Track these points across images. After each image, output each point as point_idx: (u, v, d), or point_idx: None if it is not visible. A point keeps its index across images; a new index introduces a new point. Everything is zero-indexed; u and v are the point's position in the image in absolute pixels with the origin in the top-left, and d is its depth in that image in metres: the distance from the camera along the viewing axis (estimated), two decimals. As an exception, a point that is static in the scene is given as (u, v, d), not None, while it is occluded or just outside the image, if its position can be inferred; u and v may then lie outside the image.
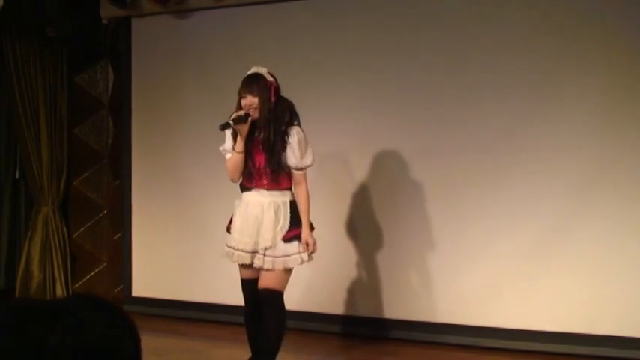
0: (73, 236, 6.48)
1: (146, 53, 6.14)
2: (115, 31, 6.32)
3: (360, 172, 5.30)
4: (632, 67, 4.59)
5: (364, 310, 5.27)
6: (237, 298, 5.64)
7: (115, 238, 6.40)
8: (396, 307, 5.17)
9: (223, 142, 3.94)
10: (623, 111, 4.61)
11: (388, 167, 5.22)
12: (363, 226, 5.30)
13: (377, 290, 5.20)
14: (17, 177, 6.40)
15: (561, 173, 4.72)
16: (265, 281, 3.81)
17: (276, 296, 3.82)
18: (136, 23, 6.16)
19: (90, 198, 6.50)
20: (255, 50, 5.61)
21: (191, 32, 5.93)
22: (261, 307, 3.86)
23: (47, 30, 6.02)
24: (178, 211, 5.96)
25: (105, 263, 6.49)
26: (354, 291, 5.27)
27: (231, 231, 3.91)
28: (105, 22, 6.22)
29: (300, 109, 3.88)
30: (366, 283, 5.24)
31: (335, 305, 5.31)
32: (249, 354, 4.13)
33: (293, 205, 3.85)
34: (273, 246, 3.77)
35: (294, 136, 3.77)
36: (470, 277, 4.94)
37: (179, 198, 5.96)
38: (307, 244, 3.80)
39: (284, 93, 3.87)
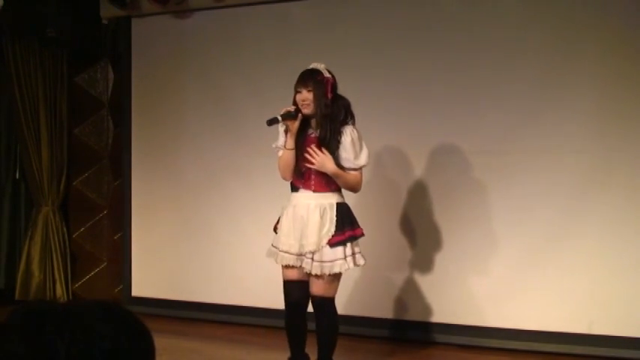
0: (73, 236, 6.48)
1: (146, 53, 6.13)
2: (115, 31, 6.32)
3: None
4: (631, 67, 4.58)
5: (367, 311, 5.26)
6: (237, 298, 5.67)
7: (115, 238, 6.40)
8: (397, 307, 5.17)
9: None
10: (622, 112, 4.61)
11: (388, 167, 5.21)
12: (365, 227, 5.29)
13: (379, 291, 5.20)
14: (17, 177, 6.40)
15: (561, 174, 4.72)
16: (316, 289, 3.74)
17: (327, 303, 3.77)
18: (136, 23, 6.16)
19: (90, 198, 6.50)
20: (255, 50, 5.61)
21: (191, 32, 5.92)
22: (314, 314, 3.80)
23: (47, 30, 6.02)
24: (179, 211, 5.96)
25: (105, 263, 6.49)
26: (358, 291, 5.26)
27: (278, 232, 3.84)
28: (105, 22, 6.22)
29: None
30: (368, 285, 5.23)
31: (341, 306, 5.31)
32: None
33: (340, 207, 3.74)
34: (318, 250, 3.67)
35: (348, 136, 3.69)
36: (470, 278, 4.94)
37: (179, 198, 5.96)
38: (320, 153, 3.61)
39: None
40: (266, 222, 5.49)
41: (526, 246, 4.79)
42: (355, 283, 5.20)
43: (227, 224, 5.73)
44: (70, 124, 6.45)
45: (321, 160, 3.62)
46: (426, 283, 5.09)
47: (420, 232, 5.10)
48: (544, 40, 4.79)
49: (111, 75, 6.47)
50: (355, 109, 4.92)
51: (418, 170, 5.13)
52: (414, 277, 5.12)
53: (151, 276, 6.10)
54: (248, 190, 5.60)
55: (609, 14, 4.63)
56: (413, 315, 5.12)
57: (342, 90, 3.83)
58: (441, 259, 5.04)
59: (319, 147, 3.65)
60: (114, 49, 6.39)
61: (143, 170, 6.15)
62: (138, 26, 6.15)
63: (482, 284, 4.90)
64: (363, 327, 5.17)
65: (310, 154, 3.64)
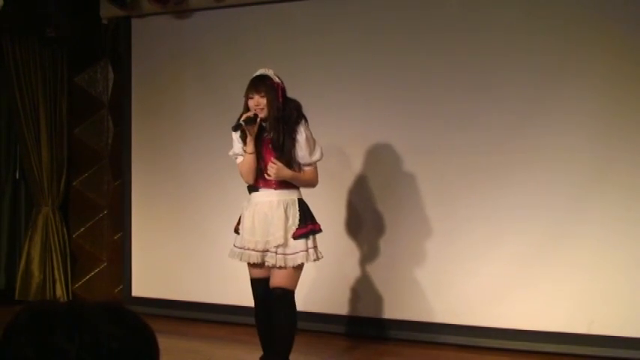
0: (73, 236, 6.48)
1: (146, 53, 6.14)
2: (115, 31, 6.32)
3: (359, 171, 5.30)
4: (631, 68, 4.59)
5: (364, 311, 5.27)
6: (237, 298, 5.66)
7: (115, 238, 6.40)
8: (396, 308, 5.17)
9: (226, 143, 3.95)
10: (622, 112, 4.61)
11: (388, 167, 5.22)
12: (362, 227, 5.30)
13: (377, 290, 5.20)
14: (17, 177, 6.40)
15: (562, 174, 4.72)
16: (277, 280, 3.85)
17: (287, 295, 3.85)
18: (136, 23, 6.16)
19: (90, 198, 6.50)
20: (255, 50, 5.61)
21: (191, 32, 5.93)
22: (272, 306, 3.87)
23: (47, 30, 6.02)
24: (178, 211, 5.96)
25: (105, 263, 6.49)
26: (353, 291, 5.27)
27: (240, 231, 3.95)
28: (105, 22, 6.22)
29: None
30: (366, 284, 5.23)
31: (338, 305, 5.31)
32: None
33: (302, 203, 3.90)
34: (284, 244, 3.80)
35: (302, 134, 3.84)
36: (470, 278, 4.94)
37: (179, 198, 5.96)
38: (273, 164, 3.77)
39: (286, 92, 3.90)
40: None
41: (526, 246, 4.79)
42: (351, 284, 5.21)
43: (227, 224, 5.68)
44: (70, 124, 6.45)
45: (276, 170, 3.77)
46: (424, 282, 5.09)
47: (419, 232, 5.09)
48: (544, 41, 4.79)
49: (111, 75, 6.47)
50: (354, 109, 4.94)
51: (417, 170, 5.13)
52: (412, 277, 5.12)
53: (151, 276, 6.10)
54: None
55: (609, 15, 4.63)
56: (413, 315, 5.12)
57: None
58: (440, 258, 5.03)
59: (274, 148, 3.81)
60: (114, 49, 6.39)
61: (143, 170, 6.15)
62: (138, 26, 6.15)
63: (482, 284, 4.90)
64: (358, 326, 5.19)
65: (267, 167, 3.80)
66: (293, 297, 3.89)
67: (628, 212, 4.57)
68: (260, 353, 4.03)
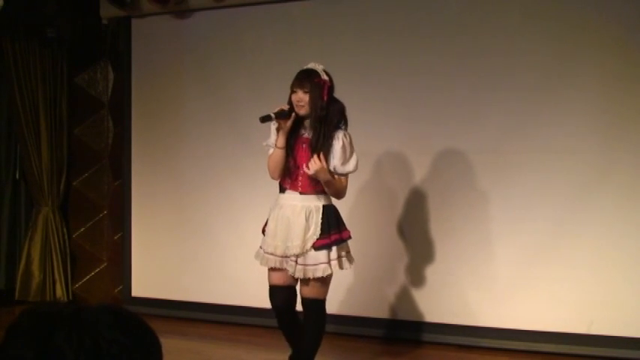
0: (73, 236, 6.48)
1: (146, 53, 6.13)
2: (115, 31, 6.32)
3: (360, 172, 5.29)
4: (631, 69, 4.59)
5: (363, 311, 5.26)
6: (237, 299, 5.67)
7: (115, 238, 6.40)
8: (396, 308, 5.17)
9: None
10: (623, 112, 4.61)
11: (387, 168, 5.22)
12: (363, 227, 5.29)
13: (377, 291, 5.20)
14: (17, 177, 6.40)
15: (561, 175, 4.72)
16: (305, 291, 3.72)
17: (317, 305, 3.74)
18: (136, 23, 6.16)
19: (90, 198, 6.50)
20: (255, 50, 5.62)
21: (191, 32, 5.92)
22: (303, 312, 3.77)
23: (47, 30, 6.02)
24: (178, 211, 5.96)
25: (105, 263, 6.49)
26: (356, 291, 5.27)
27: (265, 234, 3.79)
28: (105, 22, 6.22)
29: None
30: (366, 284, 5.23)
31: (337, 306, 5.31)
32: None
33: (327, 210, 3.68)
34: (303, 254, 3.63)
35: (339, 140, 3.63)
36: (470, 278, 4.94)
37: (179, 198, 5.96)
38: (315, 161, 3.55)
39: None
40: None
41: (525, 246, 4.79)
42: (351, 283, 5.20)
43: (227, 224, 5.73)
44: (70, 124, 6.45)
45: (318, 167, 3.55)
46: (423, 282, 5.09)
47: (418, 233, 5.10)
48: (544, 42, 4.79)
49: (111, 75, 6.47)
50: (354, 111, 4.93)
51: (417, 171, 5.13)
52: (412, 277, 5.12)
53: (151, 276, 6.10)
54: (248, 190, 5.59)
55: (608, 16, 4.63)
56: (410, 315, 5.12)
57: (340, 91, 3.82)
58: (440, 258, 5.03)
59: (310, 149, 3.62)
60: (114, 49, 6.39)
61: (143, 170, 6.15)
62: (138, 26, 6.15)
63: (481, 284, 4.90)
64: (358, 327, 5.18)
65: (309, 160, 3.58)
66: (323, 305, 3.76)
67: (628, 212, 4.57)
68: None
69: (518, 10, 4.89)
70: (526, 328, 4.78)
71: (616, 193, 4.59)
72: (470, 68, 4.98)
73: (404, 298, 5.14)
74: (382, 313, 5.20)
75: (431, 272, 5.07)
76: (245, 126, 5.56)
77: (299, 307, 3.86)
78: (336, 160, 3.63)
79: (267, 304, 5.38)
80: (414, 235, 5.12)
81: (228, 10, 5.75)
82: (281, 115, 3.61)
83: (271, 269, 3.75)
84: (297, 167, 3.68)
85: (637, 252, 4.54)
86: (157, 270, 6.07)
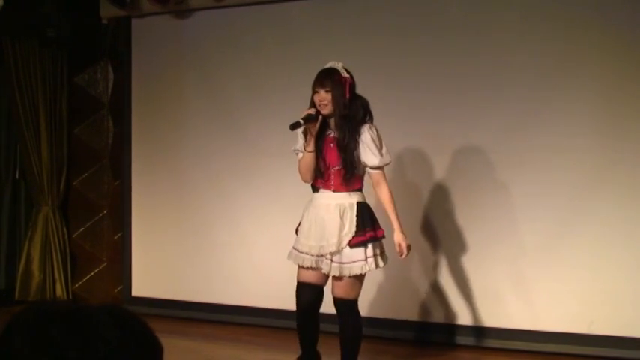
0: (73, 236, 6.48)
1: (146, 53, 6.13)
2: (115, 31, 6.32)
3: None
4: (631, 68, 4.59)
5: (364, 311, 5.26)
6: (238, 298, 5.67)
7: (115, 238, 6.40)
8: (395, 308, 5.16)
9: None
10: (623, 112, 4.61)
11: (390, 167, 5.20)
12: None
13: (376, 291, 5.20)
14: (17, 177, 6.40)
15: (562, 174, 4.72)
16: (338, 290, 3.67)
17: (349, 305, 3.69)
18: (136, 23, 6.16)
19: (90, 198, 6.50)
20: (255, 50, 5.61)
21: (191, 32, 5.92)
22: (338, 316, 3.73)
23: (47, 30, 6.02)
24: (178, 211, 5.96)
25: (105, 263, 6.49)
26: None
27: (298, 233, 3.76)
28: (105, 22, 6.22)
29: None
30: (374, 285, 5.22)
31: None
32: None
33: (361, 207, 3.65)
34: (338, 251, 3.59)
35: (367, 134, 3.60)
36: (470, 278, 4.94)
37: (179, 198, 5.96)
38: (400, 246, 3.66)
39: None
40: (266, 222, 5.52)
41: (526, 245, 4.79)
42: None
43: (227, 224, 5.73)
44: (70, 124, 6.46)
45: (406, 250, 3.70)
46: (424, 283, 5.09)
47: (418, 233, 5.09)
48: (545, 42, 4.79)
49: (111, 75, 6.47)
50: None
51: (417, 172, 5.13)
52: (411, 277, 5.12)
53: (151, 276, 6.10)
54: (248, 190, 5.60)
55: (609, 16, 4.63)
56: (412, 315, 5.11)
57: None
58: (441, 259, 5.03)
59: (338, 147, 3.61)
60: (114, 49, 6.39)
61: (143, 170, 6.15)
62: (138, 26, 6.15)
63: (481, 284, 4.90)
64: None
65: (338, 158, 3.63)
66: (356, 306, 3.72)
67: (628, 212, 4.57)
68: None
69: (519, 11, 4.88)
70: (526, 328, 4.78)
71: (616, 193, 4.59)
72: (470, 69, 4.97)
73: (403, 298, 5.14)
74: (381, 313, 5.19)
75: (430, 272, 5.07)
76: (245, 126, 5.56)
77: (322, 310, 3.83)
78: (369, 154, 3.61)
79: (267, 303, 5.42)
80: (413, 235, 5.11)
81: (228, 10, 5.75)
82: (309, 120, 3.58)
83: (303, 268, 3.71)
84: (328, 167, 3.66)
85: (637, 252, 4.54)
86: (157, 270, 6.07)
